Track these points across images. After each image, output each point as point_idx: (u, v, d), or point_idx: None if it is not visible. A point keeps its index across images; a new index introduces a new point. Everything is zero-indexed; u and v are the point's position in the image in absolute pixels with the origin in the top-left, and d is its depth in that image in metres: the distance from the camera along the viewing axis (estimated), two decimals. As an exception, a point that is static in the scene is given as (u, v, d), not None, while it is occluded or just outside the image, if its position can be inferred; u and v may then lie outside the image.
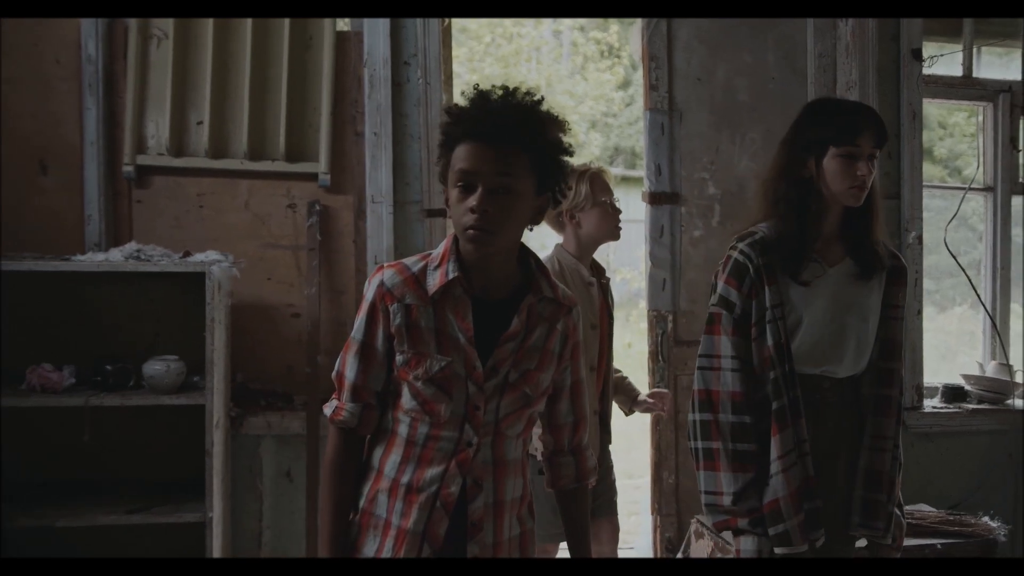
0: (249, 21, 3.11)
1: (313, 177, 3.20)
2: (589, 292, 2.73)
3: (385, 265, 1.72)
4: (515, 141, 1.59)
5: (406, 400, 1.66)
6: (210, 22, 3.09)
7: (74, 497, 2.87)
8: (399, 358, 1.65)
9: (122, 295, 3.03)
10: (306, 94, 3.19)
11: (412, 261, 1.71)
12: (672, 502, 3.52)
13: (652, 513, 3.61)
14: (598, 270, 2.83)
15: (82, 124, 3.07)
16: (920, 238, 3.64)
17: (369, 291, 1.69)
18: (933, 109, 5.48)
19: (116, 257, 2.80)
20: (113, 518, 2.75)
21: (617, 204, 2.76)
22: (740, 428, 2.08)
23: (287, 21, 3.14)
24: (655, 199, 3.49)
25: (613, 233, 2.77)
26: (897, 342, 2.22)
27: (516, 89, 1.64)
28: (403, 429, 1.68)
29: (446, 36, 3.35)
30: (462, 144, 1.61)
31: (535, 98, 1.64)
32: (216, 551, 2.80)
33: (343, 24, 3.29)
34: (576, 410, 1.85)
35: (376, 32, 3.21)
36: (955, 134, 8.49)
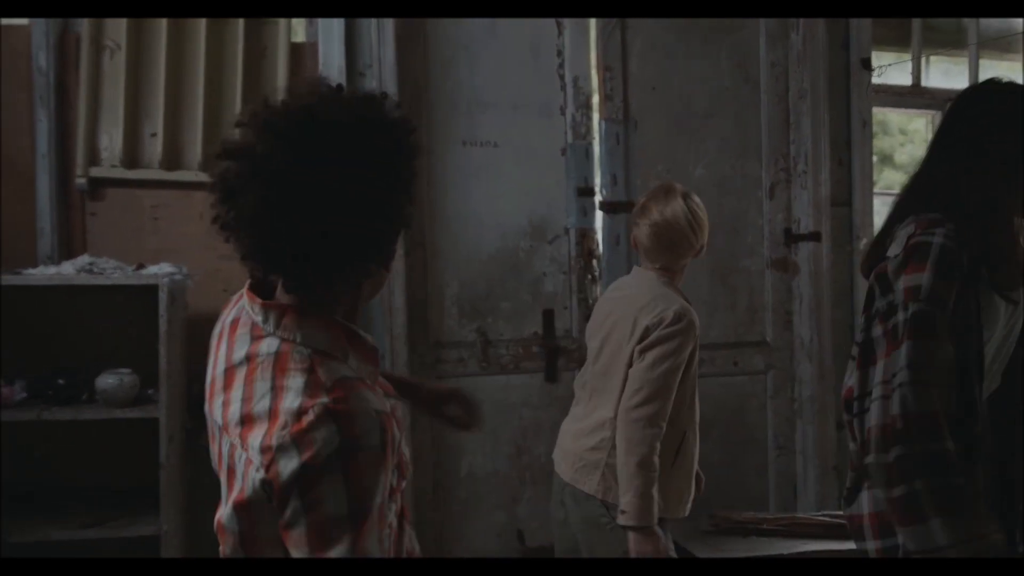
0: (203, 32, 3.11)
1: (269, 188, 3.19)
2: None
3: (346, 383, 1.24)
4: None
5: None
6: (163, 33, 3.08)
7: (29, 510, 2.85)
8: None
9: (76, 308, 3.01)
10: (261, 105, 3.19)
11: (336, 366, 1.27)
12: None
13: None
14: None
15: (34, 136, 3.05)
16: (872, 244, 3.70)
17: (374, 434, 1.21)
18: (894, 116, 5.57)
19: (68, 271, 2.79)
20: (67, 533, 2.73)
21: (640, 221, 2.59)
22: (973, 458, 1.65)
23: (241, 32, 3.13)
24: (610, 208, 3.52)
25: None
26: None
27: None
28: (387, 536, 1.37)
29: (409, 39, 3.35)
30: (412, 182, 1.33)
31: None
32: (171, 564, 2.79)
33: (298, 34, 3.29)
34: None
35: (331, 42, 3.21)
36: (915, 140, 8.62)
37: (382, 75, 3.24)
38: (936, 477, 1.55)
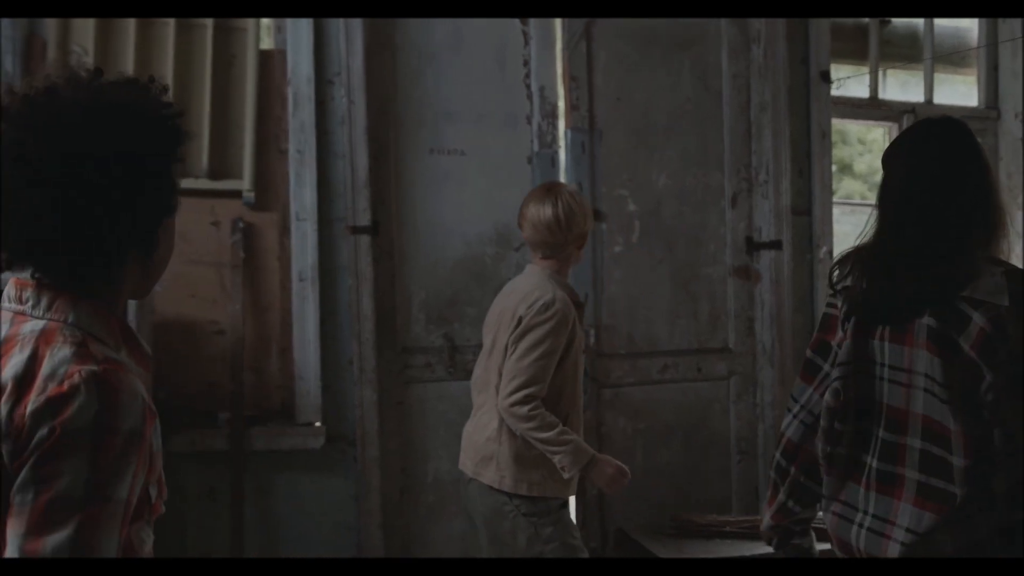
0: (171, 38, 3.11)
1: (237, 195, 3.20)
2: None
3: (120, 363, 1.18)
4: None
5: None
6: (131, 39, 3.08)
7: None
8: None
9: (41, 314, 2.99)
10: (229, 112, 3.20)
11: (109, 351, 1.19)
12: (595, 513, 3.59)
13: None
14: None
15: None
16: (831, 253, 3.79)
17: (136, 418, 1.13)
18: (853, 127, 5.69)
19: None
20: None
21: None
22: None
23: (209, 40, 3.14)
24: (576, 215, 3.57)
25: None
26: None
27: None
28: None
29: (378, 48, 3.38)
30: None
31: None
32: (137, 570, 2.78)
33: (266, 42, 3.31)
34: None
35: (299, 50, 3.24)
36: (874, 150, 8.78)
37: (350, 83, 3.26)
38: None
